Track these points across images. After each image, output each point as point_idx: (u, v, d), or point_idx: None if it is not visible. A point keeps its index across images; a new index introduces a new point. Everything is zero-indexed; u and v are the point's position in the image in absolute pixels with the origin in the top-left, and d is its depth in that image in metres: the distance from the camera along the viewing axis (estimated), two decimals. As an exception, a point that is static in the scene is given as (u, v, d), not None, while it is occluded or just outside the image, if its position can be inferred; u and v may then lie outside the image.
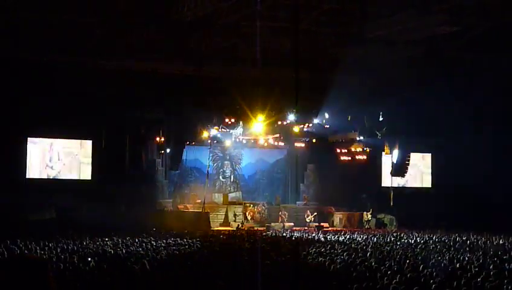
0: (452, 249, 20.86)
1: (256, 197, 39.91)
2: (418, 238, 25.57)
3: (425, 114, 34.22)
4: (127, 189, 31.99)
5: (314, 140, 38.20)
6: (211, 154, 38.68)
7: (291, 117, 34.79)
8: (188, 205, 37.03)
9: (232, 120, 34.41)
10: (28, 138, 32.34)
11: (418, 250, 20.14)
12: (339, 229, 34.68)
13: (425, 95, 32.52)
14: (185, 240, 22.64)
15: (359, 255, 17.81)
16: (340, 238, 25.67)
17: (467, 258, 17.07)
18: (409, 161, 36.79)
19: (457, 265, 15.28)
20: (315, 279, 13.08)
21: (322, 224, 36.08)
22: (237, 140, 37.25)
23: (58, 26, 24.72)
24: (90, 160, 33.38)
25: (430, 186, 39.93)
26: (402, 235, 27.70)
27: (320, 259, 16.32)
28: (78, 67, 28.37)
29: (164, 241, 22.17)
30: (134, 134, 33.73)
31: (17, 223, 26.30)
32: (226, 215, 37.10)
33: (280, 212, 36.97)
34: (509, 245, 22.62)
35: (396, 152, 36.01)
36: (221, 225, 35.82)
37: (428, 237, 26.56)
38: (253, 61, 25.39)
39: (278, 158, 41.92)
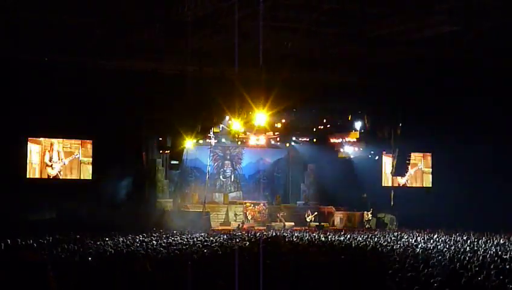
0: (452, 248, 20.85)
1: (256, 197, 39.95)
2: (418, 238, 25.56)
3: (426, 113, 34.20)
4: (128, 189, 32.00)
5: (314, 140, 38.22)
6: (212, 154, 38.72)
7: (291, 117, 34.80)
8: (188, 205, 37.08)
9: (232, 120, 34.39)
10: (28, 138, 32.32)
11: (418, 250, 20.13)
12: (340, 228, 34.73)
13: (426, 94, 32.53)
14: (186, 240, 22.65)
15: (359, 255, 17.81)
16: (340, 238, 25.68)
17: (467, 258, 17.06)
18: (409, 160, 36.79)
19: (458, 265, 15.27)
20: (315, 279, 13.08)
21: (322, 224, 36.13)
22: (237, 140, 37.26)
23: (58, 26, 24.68)
24: (90, 160, 33.37)
25: (430, 186, 39.92)
26: (402, 234, 27.70)
27: (320, 259, 16.31)
28: (78, 67, 28.34)
29: (165, 241, 22.19)
30: (134, 134, 33.72)
31: (17, 223, 26.31)
32: (227, 215, 37.17)
33: (278, 214, 37.00)
34: (510, 244, 22.61)
35: (397, 152, 36.02)
36: (221, 225, 35.87)
37: (428, 236, 26.56)
38: (254, 61, 25.34)
39: (278, 158, 41.93)
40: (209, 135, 35.21)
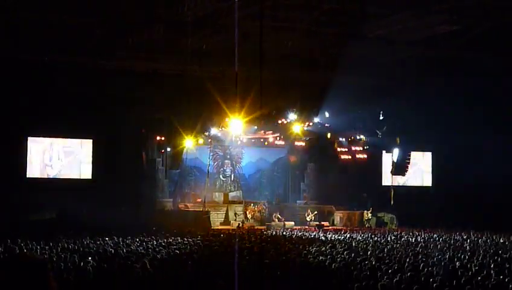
0: (452, 247, 20.87)
1: (256, 196, 39.95)
2: (418, 237, 25.57)
3: (426, 113, 34.22)
4: (128, 188, 32.01)
5: (314, 139, 38.23)
6: (211, 154, 38.72)
7: (291, 116, 34.80)
8: (188, 204, 37.07)
9: (232, 119, 34.39)
10: (29, 138, 32.36)
11: (418, 249, 20.14)
12: (339, 228, 34.70)
13: (426, 94, 32.54)
14: (186, 239, 22.66)
15: (359, 254, 17.81)
16: (340, 237, 25.69)
17: (467, 257, 17.07)
18: (409, 159, 36.81)
19: (458, 264, 15.28)
20: (316, 278, 13.09)
21: (322, 223, 36.12)
22: (237, 139, 37.26)
23: (58, 26, 24.71)
24: (90, 159, 33.40)
25: (430, 185, 39.94)
26: (402, 234, 27.71)
27: (320, 258, 16.32)
28: (78, 67, 28.37)
29: (165, 240, 22.19)
30: (134, 133, 33.75)
31: (17, 222, 26.31)
32: (227, 215, 37.15)
33: (274, 214, 37.03)
34: (510, 244, 22.62)
35: (396, 151, 36.04)
36: (221, 224, 35.85)
37: (428, 235, 26.57)
38: (254, 60, 25.36)
39: (278, 157, 41.93)
40: (209, 134, 35.23)
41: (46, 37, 25.67)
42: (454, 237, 25.72)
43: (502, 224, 28.96)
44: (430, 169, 40.11)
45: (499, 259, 16.63)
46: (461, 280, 12.23)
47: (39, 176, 32.59)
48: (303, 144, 39.13)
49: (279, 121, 35.21)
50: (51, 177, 33.00)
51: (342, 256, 16.70)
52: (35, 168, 32.70)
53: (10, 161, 30.76)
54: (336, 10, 23.75)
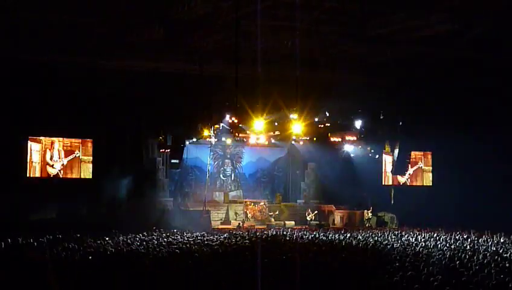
0: (453, 247, 20.87)
1: (257, 196, 39.96)
2: (418, 237, 25.58)
3: (426, 112, 34.21)
4: (128, 188, 32.03)
5: (315, 139, 38.20)
6: (212, 153, 38.73)
7: (291, 115, 34.76)
8: (188, 204, 37.08)
9: (233, 119, 34.37)
10: (29, 137, 32.35)
11: (418, 248, 20.15)
12: (340, 227, 34.72)
13: (426, 93, 32.53)
14: (186, 239, 22.68)
15: (360, 253, 17.82)
16: (340, 237, 25.69)
17: (467, 257, 17.08)
18: (409, 159, 36.79)
19: (458, 263, 15.29)
20: (316, 277, 13.10)
21: (322, 222, 36.14)
22: (238, 139, 37.24)
23: (58, 26, 24.68)
24: (90, 159, 33.38)
25: (430, 184, 39.94)
26: (403, 233, 27.72)
27: (321, 257, 16.33)
28: (78, 67, 28.36)
29: (165, 239, 22.21)
30: (134, 133, 33.75)
31: (18, 222, 26.33)
32: (227, 214, 37.20)
33: (271, 213, 37.07)
34: (510, 243, 22.63)
35: (397, 151, 36.03)
36: (222, 224, 35.89)
37: (429, 235, 26.58)
38: (254, 60, 25.38)
39: (278, 157, 41.93)
40: (209, 133, 35.21)
41: (46, 37, 25.64)
42: (454, 236, 25.72)
43: (502, 223, 28.94)
44: (430, 169, 40.10)
45: (499, 258, 16.64)
46: (461, 279, 12.24)
47: (39, 176, 32.58)
48: (303, 143, 39.11)
49: (280, 121, 35.17)
50: (51, 176, 32.99)
51: (342, 256, 16.71)
52: (35, 168, 32.69)
53: (10, 161, 30.74)
54: (336, 9, 23.71)
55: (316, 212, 37.38)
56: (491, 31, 24.78)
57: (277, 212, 37.53)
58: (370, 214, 37.52)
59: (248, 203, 37.81)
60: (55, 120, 30.89)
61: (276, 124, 34.63)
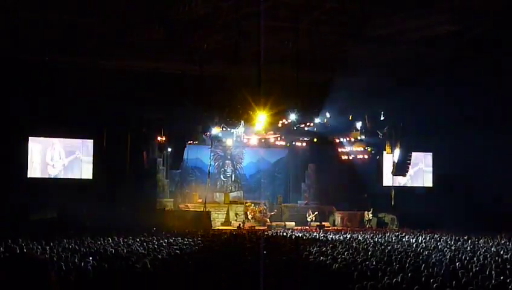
0: (453, 248, 20.85)
1: (257, 197, 39.96)
2: (419, 238, 25.56)
3: (427, 113, 34.19)
4: (128, 188, 32.02)
5: (315, 139, 38.21)
6: (212, 154, 38.73)
7: (292, 116, 34.77)
8: (189, 205, 37.09)
9: (234, 119, 34.38)
10: (30, 138, 32.36)
11: (419, 249, 20.12)
12: (340, 228, 34.71)
13: (427, 94, 32.49)
14: (186, 240, 22.65)
15: (360, 254, 17.80)
16: (341, 238, 25.67)
17: (468, 258, 17.05)
18: (410, 160, 36.79)
19: (459, 264, 15.26)
20: (316, 278, 13.07)
21: (323, 223, 36.12)
22: (238, 139, 37.25)
23: (58, 26, 24.68)
24: (91, 159, 33.41)
25: (431, 185, 39.92)
26: (403, 234, 27.70)
27: (321, 258, 16.30)
28: (78, 67, 28.35)
29: (165, 240, 22.18)
30: (135, 133, 33.75)
31: (18, 222, 26.32)
32: (227, 215, 37.19)
33: (267, 214, 37.06)
34: (510, 244, 22.60)
35: (397, 151, 36.02)
36: (222, 225, 35.89)
37: (429, 236, 26.55)
38: (254, 60, 25.36)
39: (279, 158, 41.93)
40: (209, 134, 35.23)
41: (46, 37, 25.64)
42: (454, 237, 25.69)
43: (502, 224, 28.94)
44: (431, 169, 40.08)
45: (500, 260, 16.62)
46: (462, 280, 12.22)
47: (40, 176, 32.58)
48: (304, 144, 39.10)
49: (280, 122, 35.17)
50: (52, 177, 33.00)
51: (343, 256, 16.68)
52: (36, 168, 32.70)
53: (11, 161, 30.77)
54: (336, 10, 23.70)
55: (316, 213, 37.37)
56: (491, 31, 24.75)
57: (277, 213, 37.51)
58: (370, 215, 37.50)
59: (248, 204, 37.81)
60: (56, 120, 30.88)
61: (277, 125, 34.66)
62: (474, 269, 14.14)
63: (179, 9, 22.92)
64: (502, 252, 19.27)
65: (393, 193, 36.92)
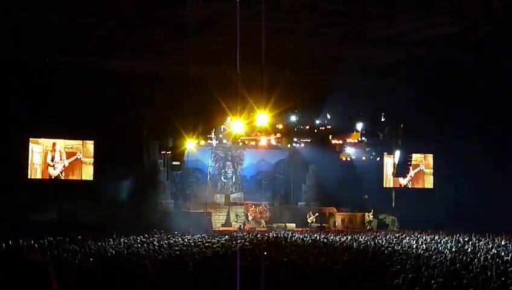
0: (454, 249, 20.82)
1: (258, 198, 39.89)
2: (419, 239, 25.52)
3: (427, 115, 34.17)
4: (129, 189, 31.97)
5: (315, 141, 38.17)
6: (213, 155, 38.67)
7: (292, 118, 34.76)
8: (189, 206, 37.02)
9: (234, 120, 34.30)
10: (30, 138, 32.32)
11: (419, 251, 20.10)
12: (341, 230, 34.65)
13: (427, 95, 32.49)
14: (187, 241, 22.63)
15: (361, 256, 17.77)
16: (341, 239, 25.63)
17: (468, 259, 17.02)
18: (410, 161, 36.76)
19: (459, 266, 15.24)
20: (317, 280, 13.04)
21: (323, 225, 36.07)
22: (239, 140, 37.21)
23: (58, 26, 24.69)
24: (92, 160, 33.37)
25: (432, 187, 39.89)
26: (404, 236, 27.65)
27: (322, 260, 16.28)
28: (78, 67, 28.34)
29: (166, 242, 22.16)
30: (135, 134, 33.71)
31: (18, 223, 26.29)
32: (228, 216, 37.16)
33: (264, 215, 37.07)
34: (511, 246, 22.56)
35: (398, 153, 36.00)
36: (223, 226, 35.86)
37: (430, 237, 26.52)
38: (255, 61, 25.33)
39: (279, 159, 41.88)
40: (210, 135, 35.16)
41: (46, 37, 25.64)
42: (455, 238, 25.66)
43: (503, 226, 28.90)
44: (431, 171, 40.05)
45: (500, 261, 16.59)
46: (463, 281, 12.19)
47: (40, 177, 32.56)
48: (304, 145, 39.07)
49: (281, 123, 35.14)
50: (53, 178, 32.96)
51: (343, 258, 16.66)
52: (36, 169, 32.66)
53: (11, 162, 30.72)
54: (337, 11, 23.71)
55: (317, 214, 37.33)
56: (491, 31, 24.75)
57: (278, 215, 37.47)
58: (371, 217, 37.46)
59: (249, 205, 37.78)
60: (56, 121, 30.84)
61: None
62: (474, 270, 14.11)
63: (180, 10, 22.93)
64: (502, 253, 19.24)
65: (394, 194, 36.88)
